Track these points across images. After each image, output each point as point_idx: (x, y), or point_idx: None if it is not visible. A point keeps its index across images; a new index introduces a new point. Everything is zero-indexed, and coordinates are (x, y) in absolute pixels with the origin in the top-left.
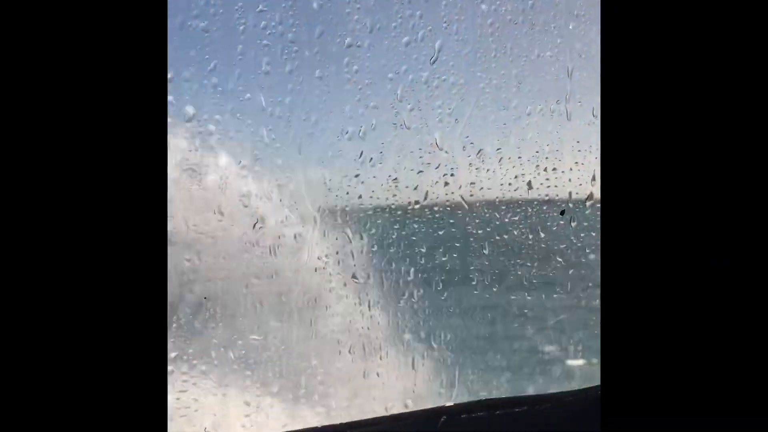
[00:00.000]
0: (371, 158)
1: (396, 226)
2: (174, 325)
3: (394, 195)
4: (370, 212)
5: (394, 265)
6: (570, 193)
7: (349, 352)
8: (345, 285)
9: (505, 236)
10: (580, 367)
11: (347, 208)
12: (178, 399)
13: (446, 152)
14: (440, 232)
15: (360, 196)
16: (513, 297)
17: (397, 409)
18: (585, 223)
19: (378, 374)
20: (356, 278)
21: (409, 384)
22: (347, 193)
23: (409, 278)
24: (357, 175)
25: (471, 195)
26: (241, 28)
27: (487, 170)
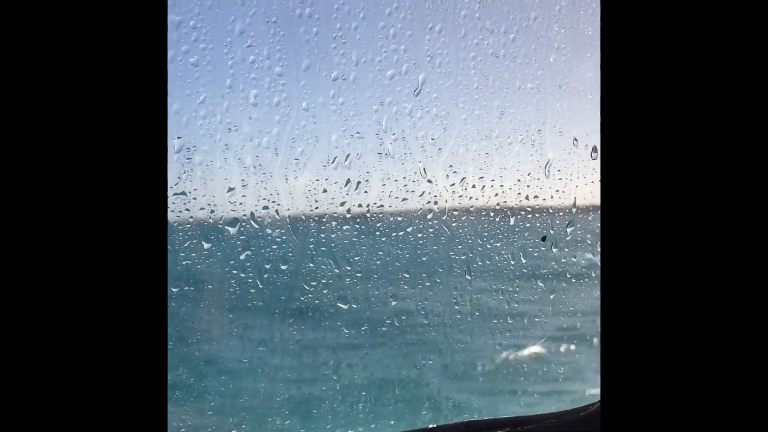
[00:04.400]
0: (357, 185)
1: (380, 253)
2: None
3: (379, 223)
4: (355, 239)
5: (377, 291)
6: (550, 221)
7: None
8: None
9: (488, 261)
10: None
11: (333, 236)
12: None
13: (430, 181)
14: (423, 258)
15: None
16: (494, 321)
17: None
18: (566, 249)
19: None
20: (341, 304)
21: None
22: (334, 222)
23: (393, 303)
24: (343, 203)
25: (454, 222)
26: (230, 62)
27: (470, 198)
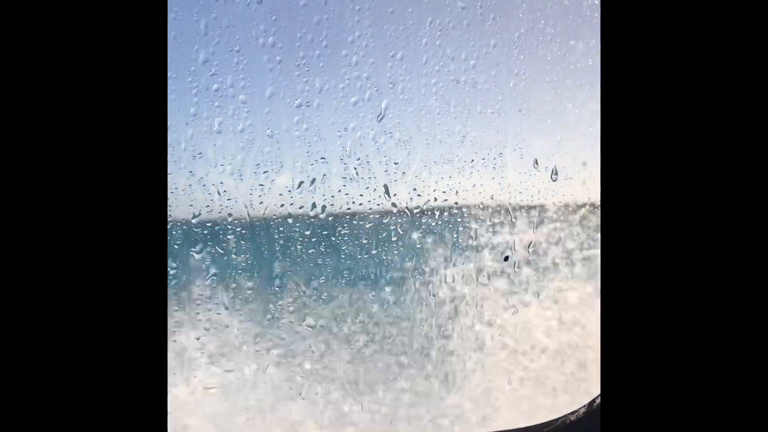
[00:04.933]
0: (323, 208)
1: (346, 272)
2: None
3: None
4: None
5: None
6: (513, 240)
7: None
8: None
9: (453, 282)
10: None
11: (299, 259)
12: None
13: (394, 204)
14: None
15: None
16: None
17: None
18: (526, 269)
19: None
20: (309, 325)
21: None
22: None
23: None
24: (310, 228)
25: (418, 245)
26: (194, 90)
27: (435, 223)
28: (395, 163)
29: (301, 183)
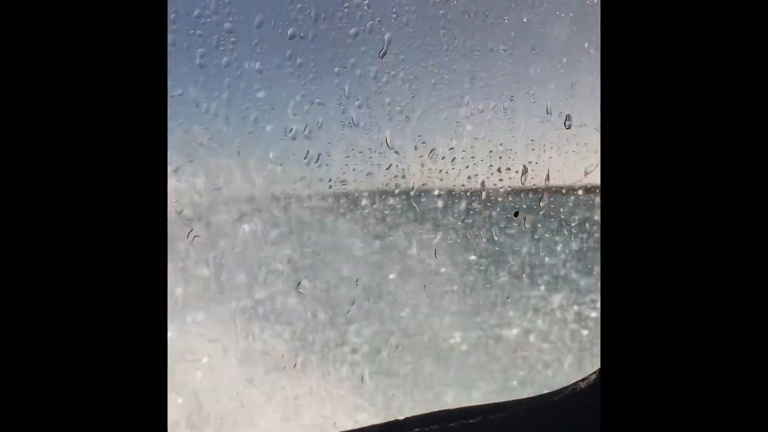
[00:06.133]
0: (318, 158)
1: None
2: None
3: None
4: (318, 217)
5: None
6: (522, 194)
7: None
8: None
9: (458, 239)
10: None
11: (291, 214)
12: None
13: (397, 152)
14: (392, 237)
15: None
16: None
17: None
18: (539, 225)
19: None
20: (301, 290)
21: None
22: (292, 198)
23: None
24: (303, 178)
25: (422, 197)
26: (172, 16)
27: (440, 171)
28: (398, 107)
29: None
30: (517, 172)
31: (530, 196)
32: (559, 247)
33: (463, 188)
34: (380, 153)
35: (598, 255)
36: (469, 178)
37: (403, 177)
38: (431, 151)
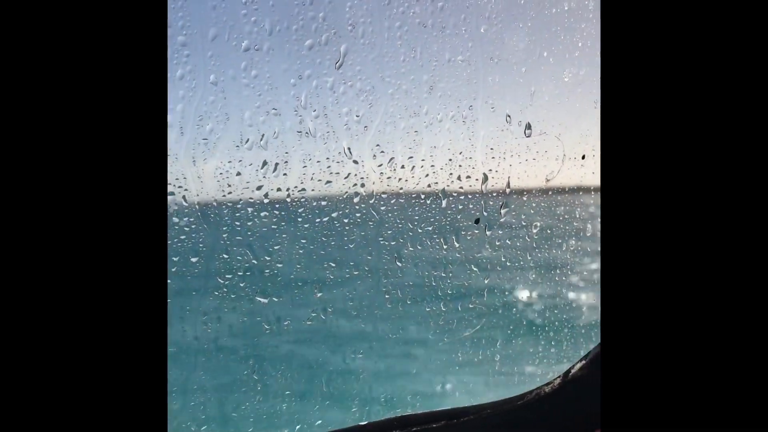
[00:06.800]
0: (275, 167)
1: (303, 241)
2: None
3: (301, 209)
4: (274, 226)
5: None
6: (483, 202)
7: None
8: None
9: (419, 247)
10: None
11: (249, 223)
12: None
13: (355, 161)
14: (350, 246)
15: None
16: (428, 309)
17: None
18: (500, 231)
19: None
20: (261, 298)
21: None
22: (249, 209)
23: (319, 294)
24: (259, 187)
25: (383, 206)
26: None
27: (399, 179)
28: (357, 116)
29: (248, 139)
30: (477, 180)
31: (491, 204)
32: (520, 253)
33: (423, 197)
34: (338, 162)
35: (559, 259)
36: (429, 186)
37: (362, 186)
38: (390, 159)
